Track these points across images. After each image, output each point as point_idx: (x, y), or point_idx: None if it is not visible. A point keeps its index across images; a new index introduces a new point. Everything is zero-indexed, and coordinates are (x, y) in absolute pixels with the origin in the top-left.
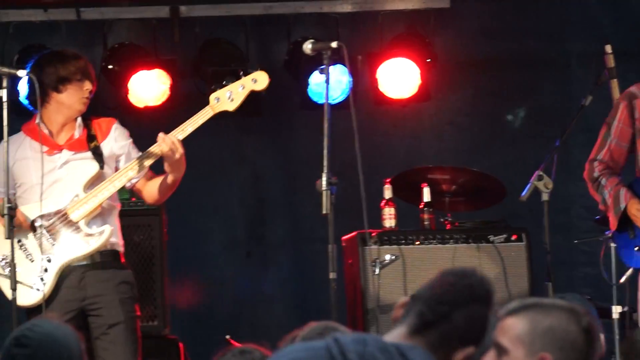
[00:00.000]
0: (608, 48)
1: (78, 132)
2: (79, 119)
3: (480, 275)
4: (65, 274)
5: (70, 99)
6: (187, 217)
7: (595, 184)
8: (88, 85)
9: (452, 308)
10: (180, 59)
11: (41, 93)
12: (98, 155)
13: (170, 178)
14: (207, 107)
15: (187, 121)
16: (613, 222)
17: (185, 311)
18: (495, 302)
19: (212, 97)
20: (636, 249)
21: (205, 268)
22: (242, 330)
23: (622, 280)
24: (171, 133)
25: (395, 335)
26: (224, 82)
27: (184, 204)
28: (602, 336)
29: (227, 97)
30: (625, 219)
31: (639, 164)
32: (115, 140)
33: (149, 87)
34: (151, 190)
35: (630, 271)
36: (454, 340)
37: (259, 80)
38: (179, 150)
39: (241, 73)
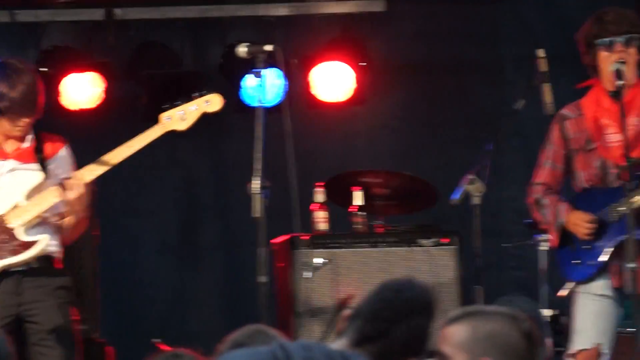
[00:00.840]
0: (540, 52)
1: (27, 143)
2: (30, 132)
3: (419, 287)
4: (1, 279)
5: (5, 127)
6: (119, 220)
7: (537, 205)
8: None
9: (391, 324)
10: (115, 62)
11: None
12: (44, 167)
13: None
14: (157, 125)
15: (135, 138)
16: (554, 239)
17: (116, 315)
18: (436, 310)
19: (164, 115)
20: (575, 262)
21: (137, 271)
22: (173, 334)
23: (565, 293)
24: (80, 174)
25: (338, 346)
26: (177, 102)
27: (116, 206)
28: (549, 341)
29: (179, 117)
30: (565, 234)
31: (577, 182)
32: (57, 166)
33: (82, 89)
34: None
35: (572, 285)
36: (394, 354)
37: (213, 102)
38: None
39: (196, 94)
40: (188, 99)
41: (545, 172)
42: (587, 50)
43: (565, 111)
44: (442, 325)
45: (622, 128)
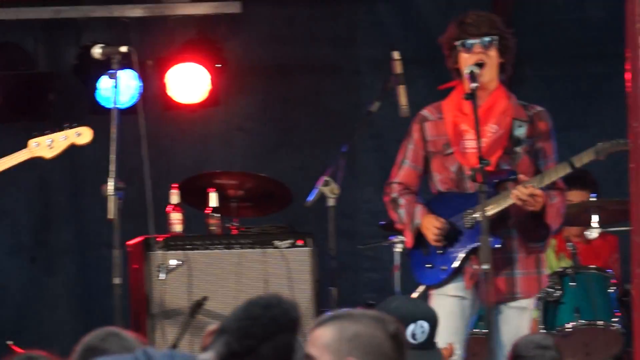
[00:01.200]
0: (396, 54)
1: None
2: None
3: (286, 304)
4: None
5: None
6: None
7: (393, 204)
8: None
9: (259, 342)
10: None
11: None
12: None
13: None
14: (24, 150)
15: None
16: (409, 239)
17: None
18: (301, 327)
19: (32, 141)
20: (428, 265)
21: None
22: (27, 336)
23: (415, 296)
24: None
25: (203, 358)
26: (46, 131)
27: None
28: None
29: (47, 144)
30: (420, 236)
31: (434, 184)
32: None
33: None
34: None
35: (421, 288)
36: None
37: (83, 135)
38: None
39: (67, 125)
40: (59, 128)
41: (403, 172)
42: (449, 54)
43: (425, 112)
44: (311, 328)
45: (476, 129)
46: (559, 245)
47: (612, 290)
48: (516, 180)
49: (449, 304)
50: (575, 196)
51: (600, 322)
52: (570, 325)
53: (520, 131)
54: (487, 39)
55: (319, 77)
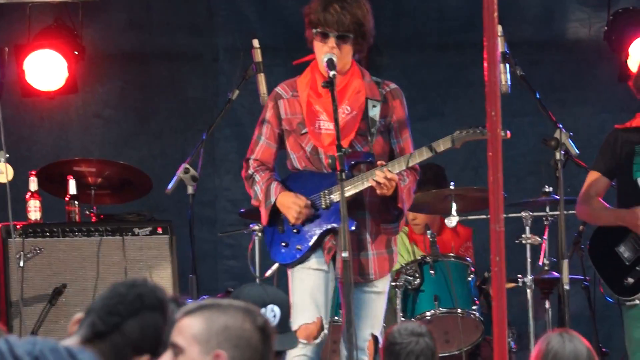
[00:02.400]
0: (255, 42)
1: None
2: None
3: (152, 285)
4: None
5: None
6: None
7: (249, 180)
8: None
9: (124, 318)
10: None
11: None
12: None
13: None
14: None
15: None
16: (264, 216)
17: None
18: (168, 310)
19: None
20: (283, 244)
21: None
22: None
23: (268, 274)
24: None
25: (67, 343)
26: None
27: None
28: None
29: None
30: (276, 214)
31: (291, 161)
32: None
33: None
34: None
35: (275, 266)
36: (127, 349)
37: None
38: None
39: None
40: None
41: (259, 148)
42: (307, 27)
43: (280, 90)
44: (178, 317)
45: (335, 118)
46: (411, 234)
47: (471, 279)
48: (372, 163)
49: (313, 278)
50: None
51: (459, 310)
52: (429, 313)
53: (374, 111)
54: (344, 34)
55: (178, 65)
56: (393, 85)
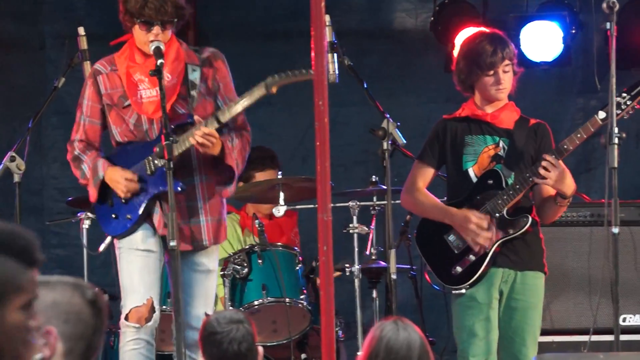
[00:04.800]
0: (81, 30)
1: None
2: None
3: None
4: None
5: None
6: None
7: (76, 161)
8: None
9: None
10: None
11: None
12: None
13: None
14: None
15: None
16: (93, 194)
17: None
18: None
19: None
20: (113, 216)
21: None
22: None
23: (101, 249)
24: None
25: None
26: None
27: None
28: None
29: None
30: (104, 190)
31: (114, 136)
32: None
33: None
34: None
35: (108, 239)
36: None
37: None
38: None
39: None
40: None
41: (82, 128)
42: (125, 14)
43: (98, 66)
44: None
45: (162, 105)
46: (243, 221)
47: (299, 268)
48: (193, 123)
49: (140, 259)
50: (266, 175)
51: (287, 300)
52: (257, 302)
53: (195, 75)
54: (168, 20)
55: (4, 52)
56: (212, 49)
